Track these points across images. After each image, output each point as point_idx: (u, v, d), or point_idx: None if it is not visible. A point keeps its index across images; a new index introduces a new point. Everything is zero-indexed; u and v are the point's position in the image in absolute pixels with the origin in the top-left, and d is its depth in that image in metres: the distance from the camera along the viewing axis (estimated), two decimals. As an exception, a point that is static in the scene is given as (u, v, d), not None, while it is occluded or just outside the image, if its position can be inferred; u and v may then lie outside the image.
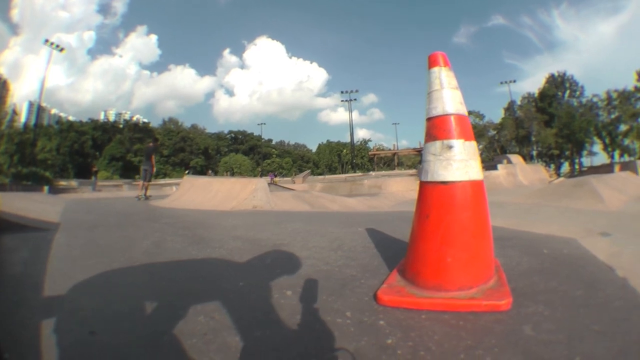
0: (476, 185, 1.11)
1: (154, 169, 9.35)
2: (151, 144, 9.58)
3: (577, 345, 0.88)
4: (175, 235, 2.72)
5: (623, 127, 38.47)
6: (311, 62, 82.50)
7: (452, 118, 1.11)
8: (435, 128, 1.13)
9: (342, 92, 50.70)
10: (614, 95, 39.30)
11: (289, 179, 30.25)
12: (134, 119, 51.02)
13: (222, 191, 5.59)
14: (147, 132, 46.51)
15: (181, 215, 4.41)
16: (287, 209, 5.31)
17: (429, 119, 1.15)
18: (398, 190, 13.58)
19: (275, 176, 37.47)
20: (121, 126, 47.57)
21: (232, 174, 43.42)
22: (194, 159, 45.60)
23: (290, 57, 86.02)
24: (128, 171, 41.37)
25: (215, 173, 43.30)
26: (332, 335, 0.98)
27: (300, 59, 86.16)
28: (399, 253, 1.80)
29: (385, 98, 76.55)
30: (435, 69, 1.18)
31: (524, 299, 1.15)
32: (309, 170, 36.80)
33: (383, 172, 34.24)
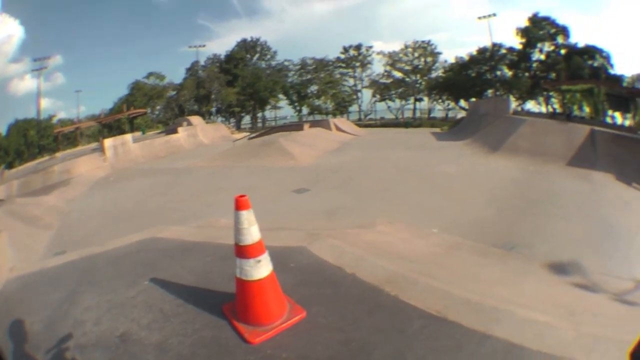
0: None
1: None
2: None
3: (344, 319, 2.00)
4: None
5: (314, 88, 42.53)
6: (15, 19, 51.58)
7: (257, 244, 2.00)
8: (247, 252, 1.98)
9: (34, 60, 38.61)
10: (310, 62, 43.29)
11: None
12: None
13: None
14: None
15: None
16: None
17: (242, 245, 1.97)
18: (87, 170, 13.19)
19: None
20: None
21: None
22: None
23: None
24: None
25: None
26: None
27: (6, 15, 52.68)
28: (193, 303, 2.33)
29: (71, 61, 58.73)
30: (244, 212, 1.95)
31: (306, 305, 2.14)
32: (3, 166, 27.94)
33: (69, 152, 30.14)
